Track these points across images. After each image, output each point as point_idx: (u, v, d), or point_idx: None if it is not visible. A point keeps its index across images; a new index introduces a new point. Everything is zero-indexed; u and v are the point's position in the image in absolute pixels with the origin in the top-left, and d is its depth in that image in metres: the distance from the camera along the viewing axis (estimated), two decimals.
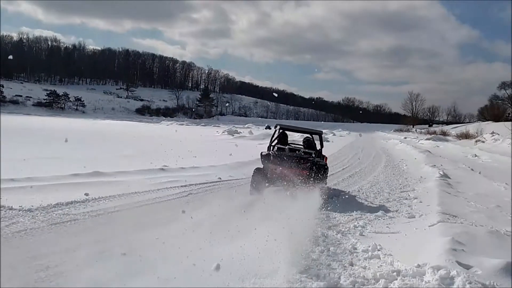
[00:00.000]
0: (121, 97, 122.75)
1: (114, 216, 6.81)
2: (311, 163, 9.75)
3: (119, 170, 10.69)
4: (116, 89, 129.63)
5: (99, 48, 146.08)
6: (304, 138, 11.78)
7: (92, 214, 6.78)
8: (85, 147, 17.37)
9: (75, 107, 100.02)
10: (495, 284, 4.28)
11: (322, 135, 11.44)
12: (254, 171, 9.97)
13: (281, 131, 11.33)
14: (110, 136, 27.56)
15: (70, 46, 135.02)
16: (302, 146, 11.40)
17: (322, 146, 11.03)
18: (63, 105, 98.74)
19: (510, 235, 6.72)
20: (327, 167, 10.63)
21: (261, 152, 10.50)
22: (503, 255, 5.28)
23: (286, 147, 10.66)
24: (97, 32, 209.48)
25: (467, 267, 4.72)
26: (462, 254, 5.14)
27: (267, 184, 9.55)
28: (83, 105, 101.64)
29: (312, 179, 9.19)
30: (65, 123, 42.95)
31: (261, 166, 10.18)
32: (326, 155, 11.44)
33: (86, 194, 7.86)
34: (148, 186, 9.25)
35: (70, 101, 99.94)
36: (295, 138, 15.64)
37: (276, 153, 10.19)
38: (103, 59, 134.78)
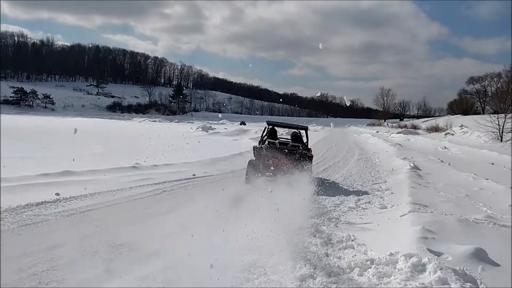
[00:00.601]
0: (91, 94, 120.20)
1: (87, 216, 6.68)
2: (299, 154, 10.95)
3: (91, 168, 10.46)
4: (86, 85, 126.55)
5: (69, 44, 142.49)
6: (292, 133, 12.95)
7: (64, 214, 6.64)
8: (55, 146, 16.96)
9: (44, 105, 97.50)
10: (464, 269, 4.41)
11: (308, 130, 12.67)
12: (248, 163, 10.91)
13: (270, 127, 12.40)
14: (80, 134, 26.94)
15: (38, 42, 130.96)
16: (290, 140, 12.63)
17: (307, 139, 12.38)
18: (31, 102, 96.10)
19: (479, 222, 6.98)
20: (312, 157, 11.73)
21: (254, 146, 11.76)
22: (471, 241, 5.47)
23: (276, 141, 11.84)
24: (66, 27, 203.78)
25: (438, 254, 4.85)
26: (432, 242, 5.29)
27: (258, 175, 10.51)
28: (52, 103, 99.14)
29: (300, 167, 10.31)
30: (34, 121, 41.79)
31: (253, 158, 11.16)
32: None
33: (57, 194, 7.68)
34: (120, 185, 9.10)
35: (39, 98, 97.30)
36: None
37: (267, 146, 11.19)
38: (72, 55, 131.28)
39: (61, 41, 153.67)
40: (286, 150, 11.01)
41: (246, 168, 10.82)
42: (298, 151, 11.13)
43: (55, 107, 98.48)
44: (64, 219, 6.42)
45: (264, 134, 12.43)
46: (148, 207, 7.57)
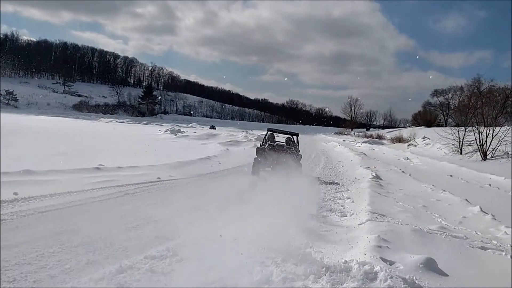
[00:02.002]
0: (57, 92, 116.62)
1: (45, 216, 6.56)
2: (292, 154, 13.98)
3: (52, 168, 10.23)
4: (52, 83, 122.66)
5: (34, 40, 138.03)
6: (286, 138, 16.26)
7: (21, 214, 6.48)
8: (16, 144, 16.46)
9: (6, 101, 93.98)
10: (414, 278, 4.61)
11: (298, 136, 15.91)
12: (254, 160, 14.04)
13: (270, 133, 15.94)
14: (43, 133, 26.29)
15: (1, 36, 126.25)
16: (285, 143, 15.69)
17: (298, 142, 15.62)
18: None
19: (432, 232, 7.26)
20: (302, 156, 14.88)
21: (257, 147, 15.06)
22: (424, 251, 5.69)
23: (275, 144, 15.03)
24: (32, 22, 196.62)
25: (390, 263, 5.04)
26: (386, 250, 5.48)
27: (263, 168, 13.75)
28: (15, 99, 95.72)
29: (292, 163, 13.12)
30: None
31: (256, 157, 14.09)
32: None
33: (15, 194, 7.49)
34: (82, 186, 8.94)
35: (1, 94, 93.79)
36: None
37: (269, 147, 14.39)
38: (38, 51, 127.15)
39: (26, 36, 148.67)
40: (282, 150, 14.17)
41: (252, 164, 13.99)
42: (291, 151, 14.19)
43: (18, 104, 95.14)
44: (21, 218, 6.28)
45: (265, 138, 15.75)
46: (109, 210, 7.49)
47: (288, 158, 13.33)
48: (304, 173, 14.15)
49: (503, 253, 6.52)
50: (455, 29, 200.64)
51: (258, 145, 15.61)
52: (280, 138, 16.59)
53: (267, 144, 14.82)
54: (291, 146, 15.09)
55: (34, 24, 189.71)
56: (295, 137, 15.78)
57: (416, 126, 66.76)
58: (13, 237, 5.29)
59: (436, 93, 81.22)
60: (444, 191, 12.61)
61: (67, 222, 6.28)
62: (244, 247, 5.52)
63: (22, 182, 8.53)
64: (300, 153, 14.83)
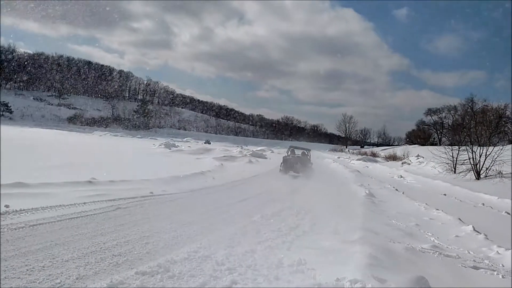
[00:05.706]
0: (52, 104, 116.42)
1: (36, 230, 6.49)
2: (307, 162, 22.90)
3: (44, 181, 10.16)
4: (48, 95, 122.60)
5: (31, 52, 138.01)
6: (302, 152, 24.63)
7: (11, 227, 6.41)
8: (9, 156, 16.36)
9: (1, 113, 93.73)
10: None
11: (310, 151, 25.15)
12: (281, 166, 22.28)
13: (292, 148, 25.29)
14: (37, 145, 26.17)
15: None
16: (301, 155, 24.12)
17: (310, 155, 24.56)
18: None
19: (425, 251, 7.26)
20: (312, 164, 23.88)
21: (283, 158, 23.02)
22: (415, 270, 5.69)
23: (295, 155, 23.88)
24: (29, 34, 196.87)
25: (382, 281, 5.02)
26: (378, 268, 5.46)
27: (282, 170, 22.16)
28: (10, 111, 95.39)
29: (307, 168, 22.30)
30: None
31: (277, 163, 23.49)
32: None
33: (7, 206, 7.42)
34: (74, 199, 8.86)
35: None
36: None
37: (291, 157, 23.12)
38: (35, 63, 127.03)
39: (23, 48, 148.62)
40: (300, 160, 22.75)
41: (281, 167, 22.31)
42: (306, 161, 23.04)
43: (13, 116, 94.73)
44: (11, 232, 6.21)
45: (288, 152, 24.47)
46: (100, 224, 7.42)
47: (304, 166, 22.15)
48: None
49: (495, 273, 6.54)
50: (448, 49, 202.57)
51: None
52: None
53: (290, 156, 23.42)
54: (305, 157, 23.67)
55: (31, 37, 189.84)
56: (307, 151, 24.49)
57: (410, 144, 67.22)
58: (3, 251, 5.24)
59: (430, 112, 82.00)
60: (437, 210, 12.62)
61: (58, 236, 6.22)
62: (235, 264, 5.49)
63: (14, 195, 8.45)
64: (311, 161, 23.91)
